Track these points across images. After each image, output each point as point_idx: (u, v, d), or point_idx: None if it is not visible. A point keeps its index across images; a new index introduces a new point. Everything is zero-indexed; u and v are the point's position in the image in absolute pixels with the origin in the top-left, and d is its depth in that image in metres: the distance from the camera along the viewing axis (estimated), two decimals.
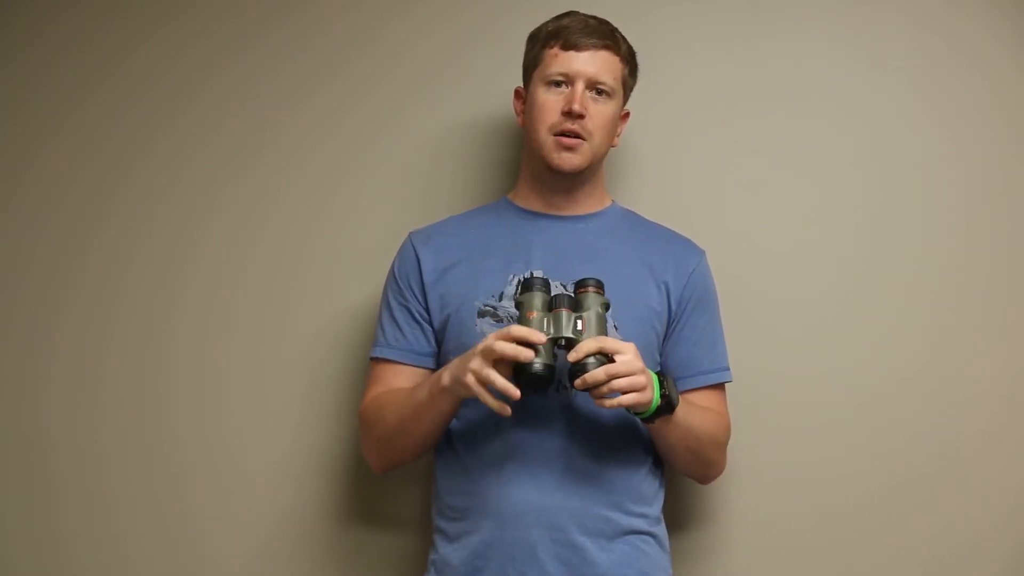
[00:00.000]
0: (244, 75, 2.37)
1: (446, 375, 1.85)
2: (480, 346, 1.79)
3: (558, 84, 1.96)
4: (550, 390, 1.90)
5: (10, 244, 2.38)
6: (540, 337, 1.77)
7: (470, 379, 1.78)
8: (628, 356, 1.78)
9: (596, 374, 1.76)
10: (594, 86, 1.96)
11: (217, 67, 2.37)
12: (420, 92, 2.34)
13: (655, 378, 1.84)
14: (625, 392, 1.78)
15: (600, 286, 1.85)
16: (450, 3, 2.35)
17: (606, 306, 1.84)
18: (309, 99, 2.35)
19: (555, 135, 1.96)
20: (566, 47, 1.96)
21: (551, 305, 1.83)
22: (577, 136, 1.95)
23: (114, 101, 2.38)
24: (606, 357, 1.78)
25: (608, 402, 1.79)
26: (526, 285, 1.85)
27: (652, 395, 1.81)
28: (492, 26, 2.31)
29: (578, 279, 1.86)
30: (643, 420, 1.87)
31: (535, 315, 1.81)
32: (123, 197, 2.37)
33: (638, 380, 1.78)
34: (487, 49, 2.30)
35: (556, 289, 1.92)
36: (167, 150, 2.37)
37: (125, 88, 2.38)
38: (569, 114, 1.94)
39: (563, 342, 1.80)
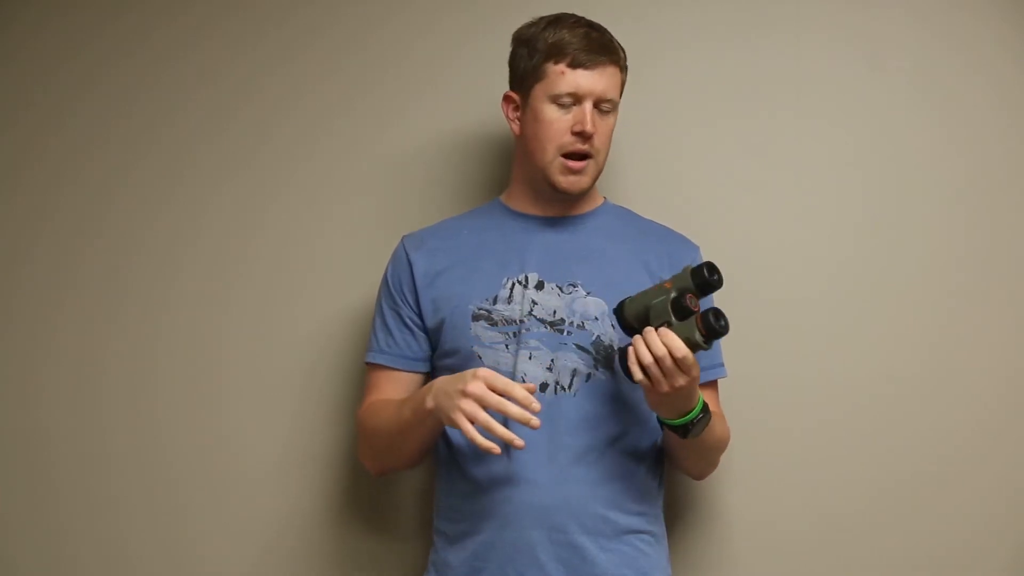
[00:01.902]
0: (237, 80, 2.36)
1: (430, 399, 1.84)
2: (471, 386, 1.77)
3: (566, 102, 1.95)
4: (547, 391, 1.92)
5: (10, 244, 2.38)
6: (536, 407, 1.77)
7: (460, 418, 1.77)
8: (694, 372, 1.79)
9: (662, 344, 1.76)
10: (601, 103, 1.95)
11: (209, 74, 2.37)
12: (414, 95, 2.34)
13: (700, 403, 1.84)
14: (666, 379, 1.77)
15: (719, 333, 1.79)
16: (447, 5, 2.35)
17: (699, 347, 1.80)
18: (304, 102, 2.35)
19: (563, 155, 1.95)
20: (574, 65, 1.93)
21: (678, 306, 1.79)
22: (585, 156, 1.95)
23: (114, 101, 2.38)
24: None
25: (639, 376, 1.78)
26: (710, 268, 1.79)
27: (689, 407, 1.82)
28: (488, 29, 2.30)
29: (724, 323, 1.79)
30: (660, 422, 1.89)
31: (669, 286, 1.81)
32: (123, 197, 2.37)
33: (680, 380, 1.77)
34: (483, 52, 2.29)
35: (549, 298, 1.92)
36: (167, 150, 2.37)
37: (125, 88, 2.38)
38: (581, 134, 1.94)
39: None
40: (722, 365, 2.06)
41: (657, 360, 1.77)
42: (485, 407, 1.77)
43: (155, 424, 2.33)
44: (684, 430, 1.85)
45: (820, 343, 2.26)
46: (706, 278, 1.81)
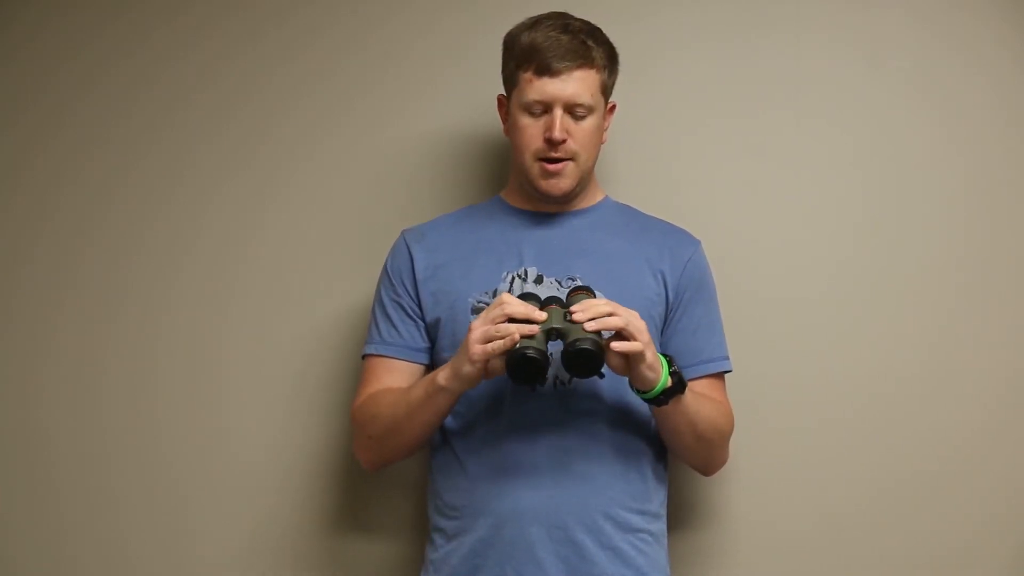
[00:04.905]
0: (237, 80, 2.37)
1: (442, 374, 1.85)
2: (473, 325, 1.80)
3: (536, 110, 1.95)
4: (546, 386, 1.91)
5: (10, 244, 2.38)
6: (540, 315, 1.79)
7: (480, 348, 1.78)
8: (635, 318, 1.80)
9: (599, 306, 1.78)
10: (573, 108, 1.95)
11: (209, 74, 2.37)
12: (414, 95, 2.34)
13: (663, 360, 1.84)
14: (629, 339, 1.78)
15: (592, 291, 1.85)
16: (447, 5, 2.35)
17: None
18: (304, 102, 2.35)
19: (540, 160, 1.96)
20: (539, 72, 1.93)
21: (543, 305, 1.84)
22: (561, 160, 1.95)
23: (114, 101, 2.38)
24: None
25: (617, 345, 1.77)
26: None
27: (658, 368, 1.81)
28: (488, 29, 2.29)
29: (569, 290, 1.87)
30: (653, 401, 1.85)
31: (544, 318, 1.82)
32: (123, 197, 2.37)
33: (643, 332, 1.78)
34: (482, 50, 2.28)
35: (549, 292, 1.92)
36: (167, 150, 2.37)
37: (125, 88, 2.39)
38: (549, 141, 1.94)
39: (554, 334, 1.79)
40: (727, 358, 2.05)
41: (606, 314, 1.77)
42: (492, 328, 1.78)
43: (155, 424, 2.33)
44: (679, 384, 1.84)
45: (820, 343, 2.26)
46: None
